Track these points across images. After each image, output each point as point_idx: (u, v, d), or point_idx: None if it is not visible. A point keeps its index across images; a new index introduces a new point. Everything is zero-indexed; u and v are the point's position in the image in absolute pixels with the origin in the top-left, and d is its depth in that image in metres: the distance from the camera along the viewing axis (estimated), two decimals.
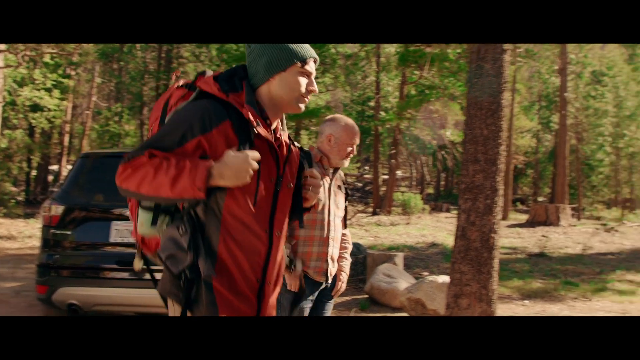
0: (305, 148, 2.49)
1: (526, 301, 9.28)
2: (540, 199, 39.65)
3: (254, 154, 2.05)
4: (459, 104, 23.21)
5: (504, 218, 25.72)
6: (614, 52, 37.01)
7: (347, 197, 3.94)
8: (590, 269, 13.06)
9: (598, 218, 30.66)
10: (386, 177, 27.47)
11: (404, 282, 8.28)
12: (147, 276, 2.63)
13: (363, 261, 9.91)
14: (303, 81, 2.26)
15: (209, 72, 2.26)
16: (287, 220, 2.34)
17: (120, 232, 5.62)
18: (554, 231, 21.06)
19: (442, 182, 45.35)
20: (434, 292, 7.03)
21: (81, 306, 5.60)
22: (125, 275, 5.59)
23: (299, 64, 2.23)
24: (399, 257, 9.56)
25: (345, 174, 36.59)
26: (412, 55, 19.53)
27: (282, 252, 2.31)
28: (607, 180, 38.02)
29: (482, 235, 5.39)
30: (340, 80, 25.65)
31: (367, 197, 29.97)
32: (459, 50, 17.59)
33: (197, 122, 2.09)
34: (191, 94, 2.23)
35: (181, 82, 2.31)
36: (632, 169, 38.46)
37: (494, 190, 5.44)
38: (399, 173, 41.56)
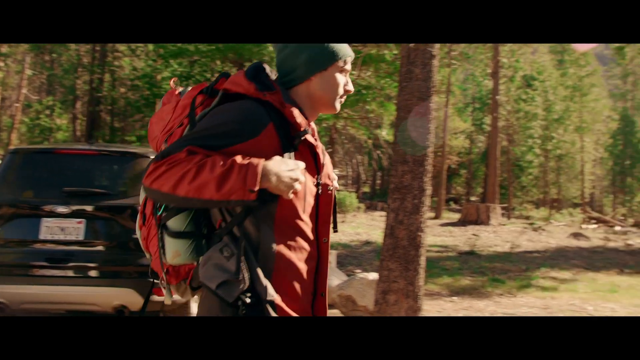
0: None
1: (454, 297, 9.56)
2: (472, 198, 40.67)
3: (302, 165, 1.90)
4: (395, 104, 23.57)
5: (437, 217, 26.33)
6: (544, 57, 38.36)
7: None
8: (517, 267, 13.53)
9: (527, 217, 31.73)
10: None
11: (336, 279, 8.42)
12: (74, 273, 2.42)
13: None
14: (342, 80, 2.13)
15: (236, 73, 2.04)
16: (331, 226, 2.13)
17: (50, 229, 5.54)
18: (484, 230, 21.69)
19: (378, 181, 46.01)
20: (365, 289, 7.18)
21: (8, 304, 5.51)
22: (54, 272, 5.52)
23: (340, 63, 2.10)
24: (332, 255, 9.72)
25: None
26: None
27: (328, 261, 2.11)
28: (536, 181, 39.39)
29: (409, 234, 5.58)
30: None
31: None
32: (395, 52, 17.90)
33: (244, 124, 1.89)
34: (211, 100, 2.03)
35: (180, 89, 2.15)
36: (559, 171, 39.97)
37: (422, 191, 5.63)
38: (335, 172, 41.99)
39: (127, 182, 5.86)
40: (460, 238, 18.81)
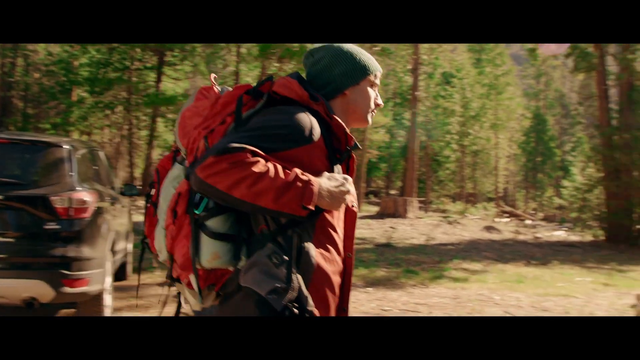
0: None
1: (369, 288, 9.82)
2: (392, 191, 41.50)
3: (350, 179, 1.91)
4: None
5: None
6: (463, 55, 39.46)
7: None
8: (431, 258, 13.98)
9: (444, 211, 32.63)
10: None
11: None
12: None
13: None
14: (373, 94, 2.16)
15: (285, 78, 2.02)
16: (353, 241, 2.08)
17: None
18: (401, 223, 22.22)
19: None
20: None
21: None
22: None
23: (371, 77, 2.13)
24: None
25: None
26: (271, 47, 19.77)
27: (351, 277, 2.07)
28: (453, 176, 40.56)
29: None
30: (200, 69, 25.45)
31: None
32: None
33: (301, 129, 1.86)
34: (255, 102, 1.97)
35: (219, 87, 2.09)
36: (475, 166, 41.29)
37: None
38: None
39: (39, 172, 5.76)
40: (377, 231, 19.22)
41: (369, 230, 19.41)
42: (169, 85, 26.36)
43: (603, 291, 12.08)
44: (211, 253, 1.83)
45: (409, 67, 31.72)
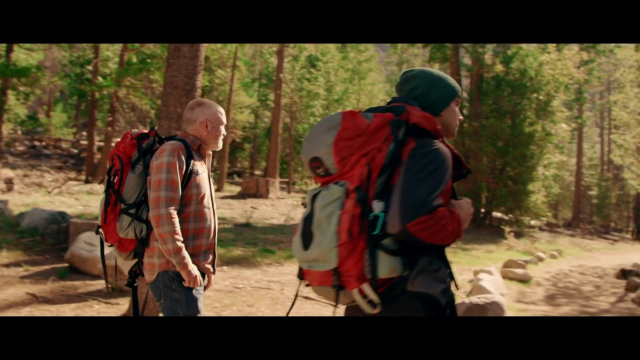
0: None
1: (225, 267, 9.94)
2: (257, 172, 41.62)
3: (470, 201, 2.35)
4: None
5: (219, 190, 26.68)
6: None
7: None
8: (289, 238, 14.26)
9: (306, 192, 33.22)
10: (102, 144, 26.77)
11: (105, 249, 8.40)
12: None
13: (66, 230, 9.80)
14: (457, 112, 2.48)
15: (416, 108, 2.28)
16: None
17: None
18: (262, 203, 22.45)
19: None
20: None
21: None
22: None
23: (458, 98, 2.46)
24: None
25: (59, 139, 34.68)
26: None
27: None
28: None
29: None
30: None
31: (82, 164, 28.79)
32: None
33: (449, 169, 2.20)
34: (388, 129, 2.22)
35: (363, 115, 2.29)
36: None
37: None
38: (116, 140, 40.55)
39: None
40: (238, 211, 19.33)
41: (229, 210, 19.48)
42: (22, 56, 24.93)
43: None
44: (389, 267, 2.12)
45: (275, 49, 31.90)
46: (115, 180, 3.30)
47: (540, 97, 25.69)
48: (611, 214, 54.88)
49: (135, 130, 3.49)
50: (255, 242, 13.07)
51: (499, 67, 25.38)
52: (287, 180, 34.27)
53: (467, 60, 27.57)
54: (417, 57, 58.65)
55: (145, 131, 3.47)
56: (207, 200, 3.46)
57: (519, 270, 13.00)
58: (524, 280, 12.62)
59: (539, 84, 25.67)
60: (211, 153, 3.67)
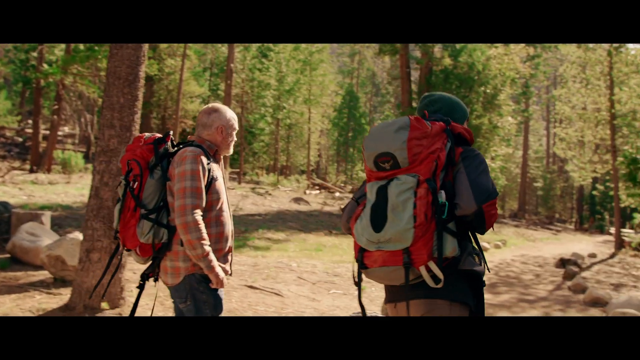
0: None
1: None
2: None
3: None
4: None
5: None
6: None
7: None
8: (237, 228, 14.33)
9: (257, 182, 33.24)
10: (47, 132, 26.25)
11: (48, 240, 8.33)
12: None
13: (8, 220, 9.65)
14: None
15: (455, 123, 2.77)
16: None
17: None
18: None
19: None
20: (75, 249, 7.21)
21: None
22: None
23: (468, 117, 3.06)
24: (47, 216, 9.52)
25: (3, 127, 33.82)
26: None
27: None
28: (267, 148, 41.21)
29: (114, 195, 5.82)
30: None
31: (27, 153, 28.16)
32: None
33: None
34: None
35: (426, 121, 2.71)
36: (289, 139, 42.30)
37: None
38: (66, 130, 39.74)
39: None
40: None
41: None
42: None
43: None
44: (452, 247, 2.50)
45: None
46: (135, 186, 3.31)
47: (488, 91, 26.21)
48: (556, 205, 56.42)
49: (148, 135, 3.48)
50: None
51: (448, 61, 25.76)
52: (237, 170, 34.19)
53: (416, 53, 27.91)
54: (369, 48, 59.05)
55: (160, 135, 3.47)
56: (225, 205, 3.52)
57: None
58: None
59: (486, 77, 26.18)
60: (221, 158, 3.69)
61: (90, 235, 5.87)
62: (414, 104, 26.73)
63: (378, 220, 2.54)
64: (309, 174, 42.13)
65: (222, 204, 3.47)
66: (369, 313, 6.12)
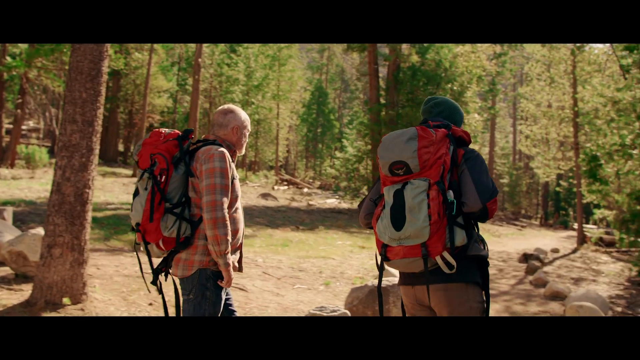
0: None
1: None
2: None
3: None
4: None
5: (136, 175, 26.24)
6: None
7: None
8: None
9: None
10: (11, 127, 25.83)
11: (9, 235, 8.24)
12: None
13: None
14: None
15: (456, 127, 3.18)
16: None
17: None
18: None
19: None
20: (37, 245, 7.15)
21: None
22: None
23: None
24: (8, 212, 9.42)
25: None
26: None
27: None
28: None
29: (76, 191, 5.79)
30: None
31: None
32: None
33: None
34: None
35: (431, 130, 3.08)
36: (257, 135, 42.18)
37: (90, 150, 5.87)
38: (30, 124, 39.12)
39: None
40: None
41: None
42: None
43: (358, 253, 13.29)
44: (461, 238, 2.92)
45: None
46: (162, 180, 3.34)
47: (455, 88, 26.49)
48: (522, 201, 57.21)
49: (167, 130, 3.54)
50: None
51: (415, 58, 25.98)
52: None
53: (384, 50, 28.07)
54: (338, 45, 59.16)
55: (179, 132, 3.52)
56: (239, 203, 3.60)
57: None
58: None
59: (453, 75, 26.47)
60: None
61: (51, 231, 5.84)
62: (382, 100, 26.92)
63: (398, 221, 2.95)
64: (277, 170, 42.14)
65: (239, 202, 3.55)
66: (331, 308, 6.20)
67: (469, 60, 27.07)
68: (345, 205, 27.28)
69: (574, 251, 20.82)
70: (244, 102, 37.22)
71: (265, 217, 18.37)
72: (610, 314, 9.17)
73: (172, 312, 4.23)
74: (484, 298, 3.08)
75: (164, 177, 3.32)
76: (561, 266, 15.53)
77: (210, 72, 34.57)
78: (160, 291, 3.53)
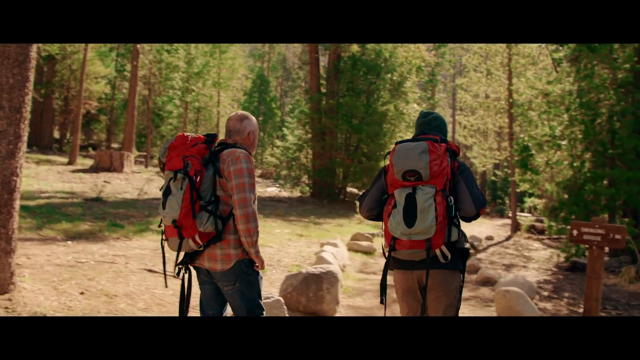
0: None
1: (69, 242, 9.69)
2: (115, 145, 40.32)
3: None
4: None
5: (72, 163, 25.65)
6: None
7: None
8: (140, 212, 14.09)
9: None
10: None
11: None
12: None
13: None
14: None
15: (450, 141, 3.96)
16: None
17: None
18: (116, 177, 21.89)
19: None
20: None
21: None
22: None
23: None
24: None
25: None
26: None
27: None
28: (175, 131, 40.53)
29: (3, 179, 5.66)
30: None
31: None
32: None
33: None
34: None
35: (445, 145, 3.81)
36: (197, 123, 41.76)
37: (18, 137, 5.74)
38: None
39: None
40: (89, 185, 18.75)
41: (80, 184, 18.85)
42: None
43: (296, 241, 13.37)
44: (456, 234, 3.67)
45: None
46: (198, 180, 3.63)
47: (394, 78, 26.82)
48: None
49: (191, 134, 3.84)
50: (104, 217, 12.77)
51: (355, 48, 26.15)
52: (145, 153, 33.52)
53: None
54: None
55: (203, 136, 3.84)
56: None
57: (364, 243, 13.70)
58: (369, 252, 13.32)
59: (393, 65, 26.77)
60: None
61: None
62: (323, 89, 27.01)
63: (410, 219, 3.61)
64: None
65: (257, 200, 3.88)
66: (265, 295, 6.27)
67: (409, 51, 27.42)
68: (285, 193, 27.33)
69: (508, 238, 21.45)
70: (184, 90, 36.76)
71: None
72: (537, 298, 9.53)
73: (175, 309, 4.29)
74: (462, 280, 3.87)
75: (198, 177, 3.63)
76: (494, 253, 16.00)
77: (149, 59, 33.97)
78: (182, 283, 3.90)
